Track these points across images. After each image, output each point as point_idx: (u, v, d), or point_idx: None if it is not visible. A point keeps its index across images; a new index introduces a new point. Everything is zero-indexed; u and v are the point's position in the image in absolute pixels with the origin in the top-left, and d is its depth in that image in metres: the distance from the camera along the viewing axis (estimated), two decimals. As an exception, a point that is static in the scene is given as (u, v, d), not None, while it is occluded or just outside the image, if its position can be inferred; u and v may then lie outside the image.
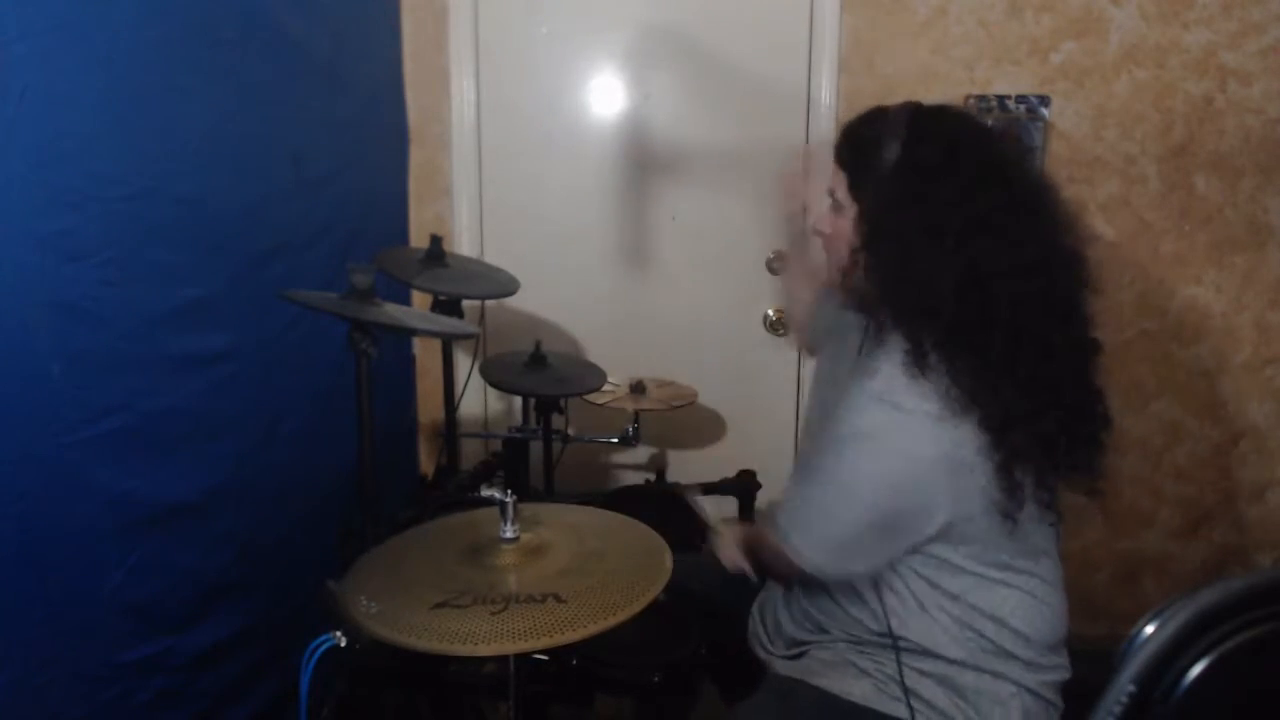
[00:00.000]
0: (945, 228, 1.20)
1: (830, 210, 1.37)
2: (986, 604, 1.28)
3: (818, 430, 1.39)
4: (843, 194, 1.33)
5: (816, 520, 1.29)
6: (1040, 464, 1.21)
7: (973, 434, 1.17)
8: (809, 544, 1.28)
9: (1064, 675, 1.34)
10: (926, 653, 1.29)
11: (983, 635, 1.28)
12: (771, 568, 1.39)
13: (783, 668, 1.41)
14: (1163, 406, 2.47)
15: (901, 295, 1.23)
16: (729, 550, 1.44)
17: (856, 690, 1.31)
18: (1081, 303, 1.27)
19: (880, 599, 1.29)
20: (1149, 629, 1.07)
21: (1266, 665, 1.10)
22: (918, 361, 1.18)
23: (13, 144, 1.25)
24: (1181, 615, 1.06)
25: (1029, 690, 1.30)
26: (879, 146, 1.26)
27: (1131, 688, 1.06)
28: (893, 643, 1.28)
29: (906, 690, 1.27)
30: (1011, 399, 1.17)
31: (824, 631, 1.37)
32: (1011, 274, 1.19)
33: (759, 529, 1.43)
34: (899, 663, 1.28)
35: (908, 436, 1.19)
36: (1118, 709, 1.06)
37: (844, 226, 1.32)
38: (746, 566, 1.41)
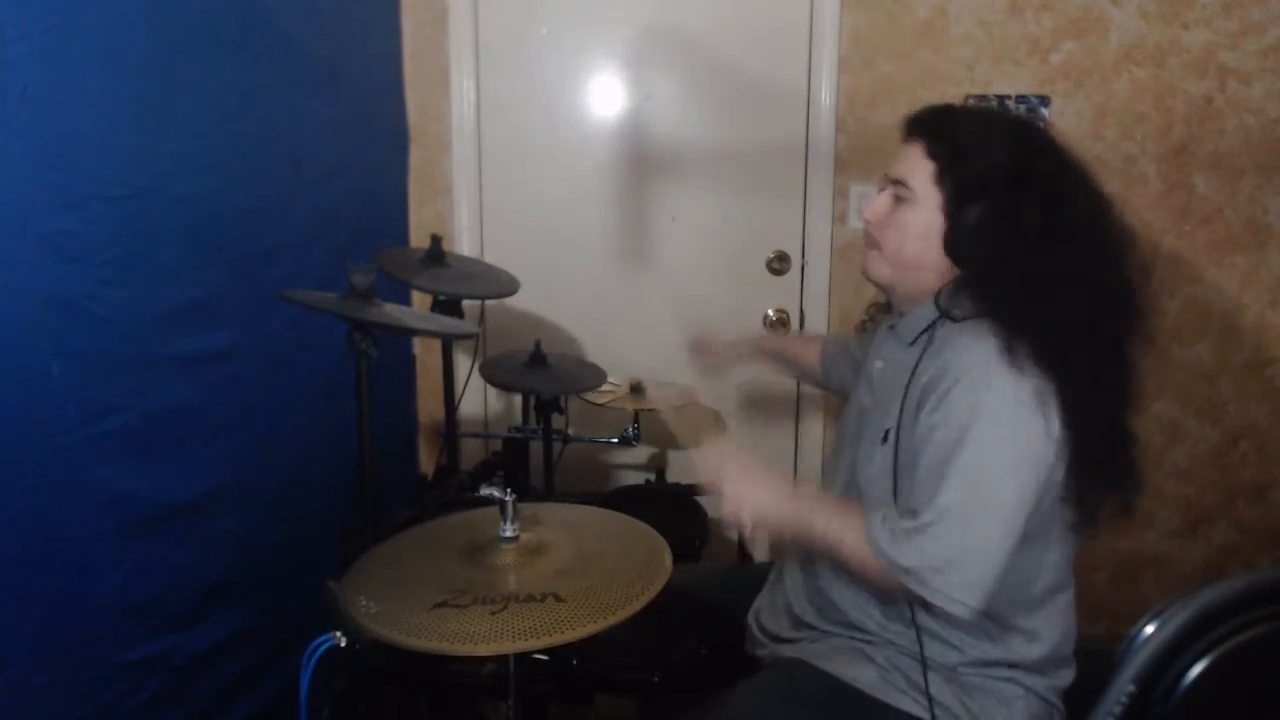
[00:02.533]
0: (1056, 231, 1.21)
1: (893, 200, 1.32)
2: (1014, 619, 1.28)
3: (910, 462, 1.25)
4: (922, 184, 1.28)
5: (967, 565, 1.16)
6: (1096, 473, 1.22)
7: (1058, 429, 1.18)
8: (962, 592, 1.16)
9: (1069, 682, 1.35)
10: (939, 651, 1.28)
11: (1000, 640, 1.28)
12: (843, 563, 1.27)
13: (788, 651, 1.41)
14: (1163, 406, 2.47)
15: (1005, 292, 1.22)
16: (744, 499, 1.29)
17: (863, 677, 1.30)
18: (1140, 328, 1.27)
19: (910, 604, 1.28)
20: (1149, 629, 1.07)
21: (1266, 665, 1.10)
22: (1012, 356, 1.18)
23: (13, 144, 1.25)
24: (1181, 615, 1.06)
25: (1036, 694, 1.31)
26: (985, 145, 1.25)
27: (1131, 688, 1.06)
28: (916, 634, 1.27)
29: (928, 682, 1.27)
30: (1090, 402, 1.19)
31: (837, 618, 1.37)
32: (1099, 285, 1.22)
33: (831, 518, 1.27)
34: (923, 653, 1.27)
35: (1035, 437, 1.18)
36: (1118, 709, 1.06)
37: (916, 218, 1.29)
38: (751, 526, 1.29)
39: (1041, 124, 2.35)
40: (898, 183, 1.31)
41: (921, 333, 1.31)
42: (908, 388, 1.26)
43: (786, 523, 1.32)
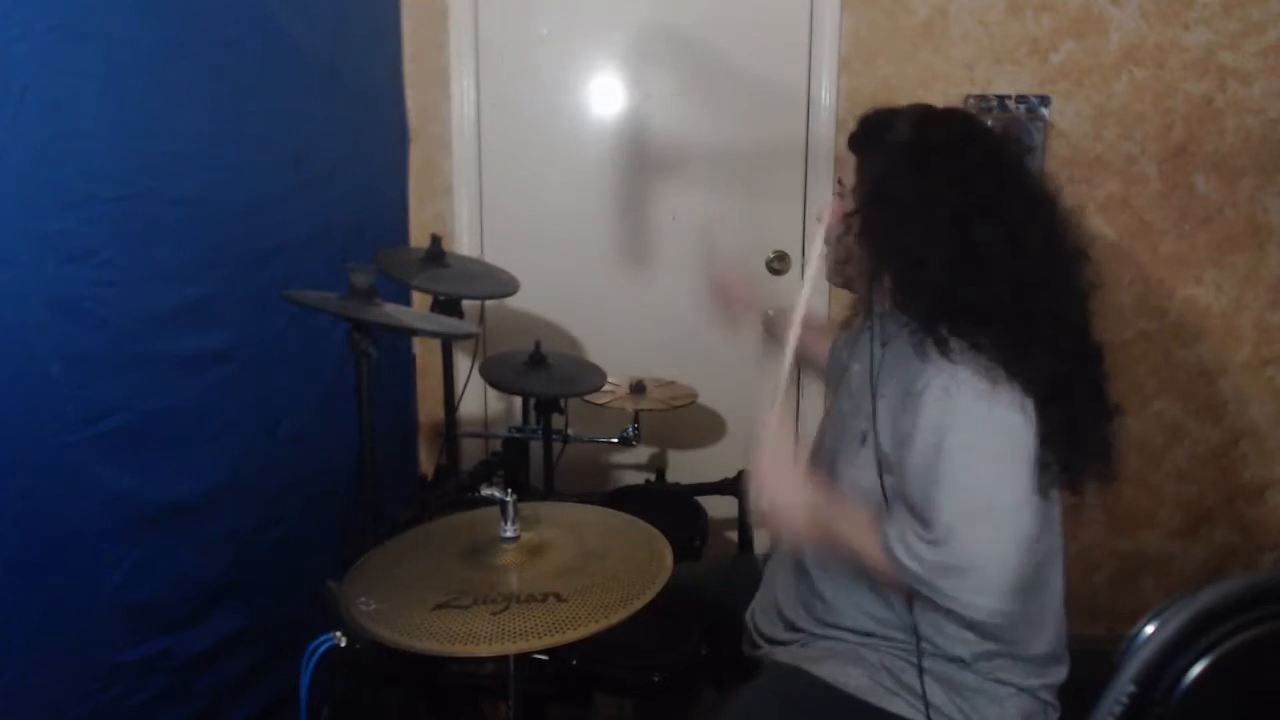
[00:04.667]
0: (944, 203, 1.21)
1: (836, 198, 1.37)
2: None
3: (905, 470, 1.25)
4: (849, 177, 1.33)
5: (988, 571, 1.16)
6: (1068, 442, 1.22)
7: (1026, 406, 1.18)
8: (987, 597, 1.16)
9: (1062, 679, 1.35)
10: (932, 649, 1.29)
11: (987, 638, 1.28)
12: (865, 569, 1.27)
13: (781, 655, 1.41)
14: (1163, 406, 2.47)
15: (895, 265, 1.24)
16: (782, 507, 1.30)
17: (853, 681, 1.31)
18: (1085, 304, 1.27)
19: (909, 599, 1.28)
20: (1149, 629, 1.07)
21: (1266, 665, 1.10)
22: (940, 345, 1.19)
23: (13, 143, 1.25)
24: (1181, 615, 1.06)
25: (1028, 692, 1.31)
26: (890, 129, 1.28)
27: (1131, 688, 1.06)
28: (915, 638, 1.28)
29: (924, 684, 1.27)
30: (1045, 372, 1.18)
31: (830, 621, 1.37)
32: (1012, 259, 1.20)
33: (853, 525, 1.27)
34: (919, 656, 1.27)
35: (994, 411, 1.17)
36: (1118, 709, 1.06)
37: (846, 211, 1.33)
38: (791, 535, 1.30)
39: (1035, 119, 2.36)
40: (838, 181, 1.37)
41: (887, 338, 1.31)
42: (873, 385, 1.28)
43: (811, 528, 1.31)
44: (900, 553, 1.19)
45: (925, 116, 1.31)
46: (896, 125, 1.29)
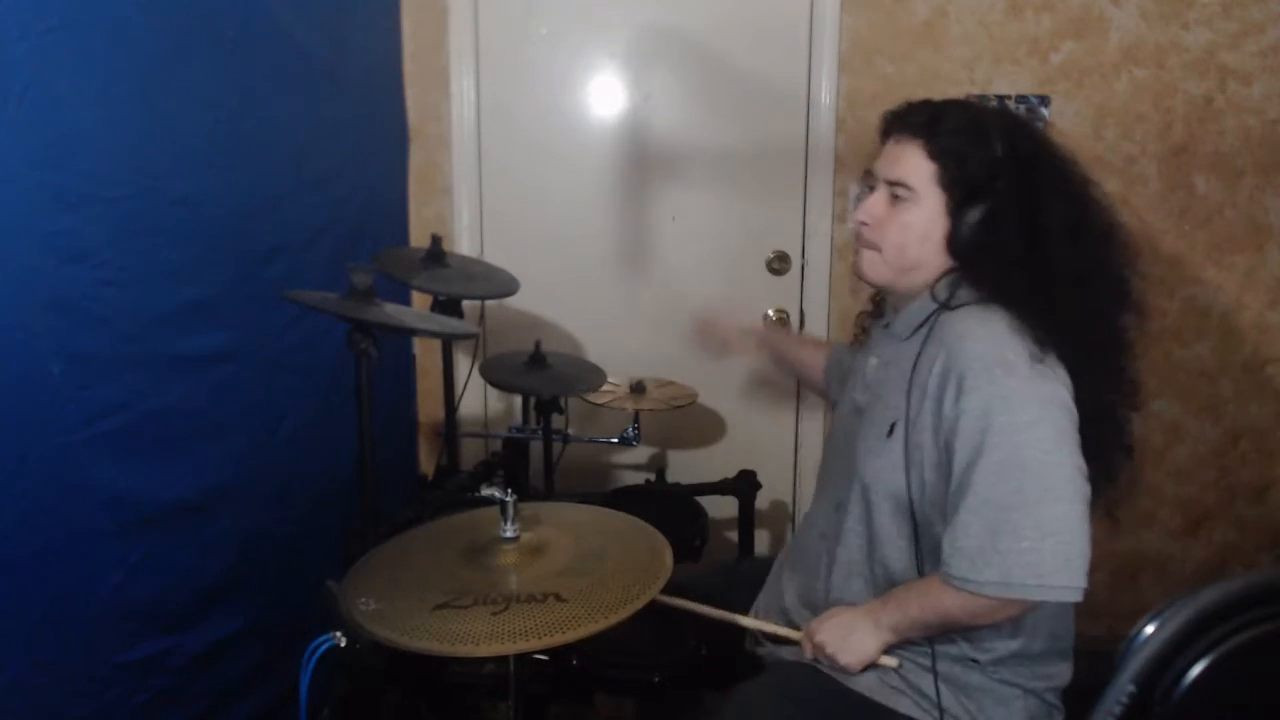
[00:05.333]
0: (1051, 223, 1.24)
1: (890, 200, 1.32)
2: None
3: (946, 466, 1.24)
4: (924, 185, 1.28)
5: (1063, 544, 1.14)
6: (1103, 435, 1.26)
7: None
8: (1070, 574, 1.14)
9: (1067, 680, 1.35)
10: (940, 650, 1.29)
11: (999, 637, 1.28)
12: (965, 625, 1.25)
13: (788, 653, 1.40)
14: (1163, 406, 2.47)
15: (1005, 281, 1.24)
16: (854, 647, 1.29)
17: (860, 680, 1.31)
18: (1125, 292, 1.32)
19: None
20: (1149, 629, 1.07)
21: (1266, 665, 1.10)
22: (1020, 334, 1.21)
23: (13, 144, 1.25)
24: (1181, 615, 1.06)
25: (1034, 694, 1.31)
26: (984, 144, 1.26)
27: (1131, 688, 1.06)
28: (929, 641, 1.28)
29: (937, 680, 1.28)
30: (1097, 380, 1.23)
31: None
32: (1106, 273, 1.27)
33: (915, 597, 1.26)
34: (933, 656, 1.28)
35: (1044, 391, 1.19)
36: (1118, 709, 1.06)
37: (918, 218, 1.29)
38: (887, 659, 1.29)
39: (1035, 119, 2.36)
40: (896, 184, 1.30)
41: (919, 325, 1.32)
42: (912, 379, 1.27)
43: (896, 636, 1.29)
44: (962, 569, 1.17)
45: (1007, 126, 1.30)
46: (989, 136, 1.27)
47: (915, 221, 1.29)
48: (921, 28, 2.40)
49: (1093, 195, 1.32)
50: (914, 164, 1.29)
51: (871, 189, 1.36)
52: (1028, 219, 1.23)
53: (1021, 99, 2.38)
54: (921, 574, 1.29)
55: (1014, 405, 1.17)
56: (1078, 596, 1.15)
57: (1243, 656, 1.07)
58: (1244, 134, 2.35)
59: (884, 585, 1.32)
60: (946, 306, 1.28)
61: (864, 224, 1.35)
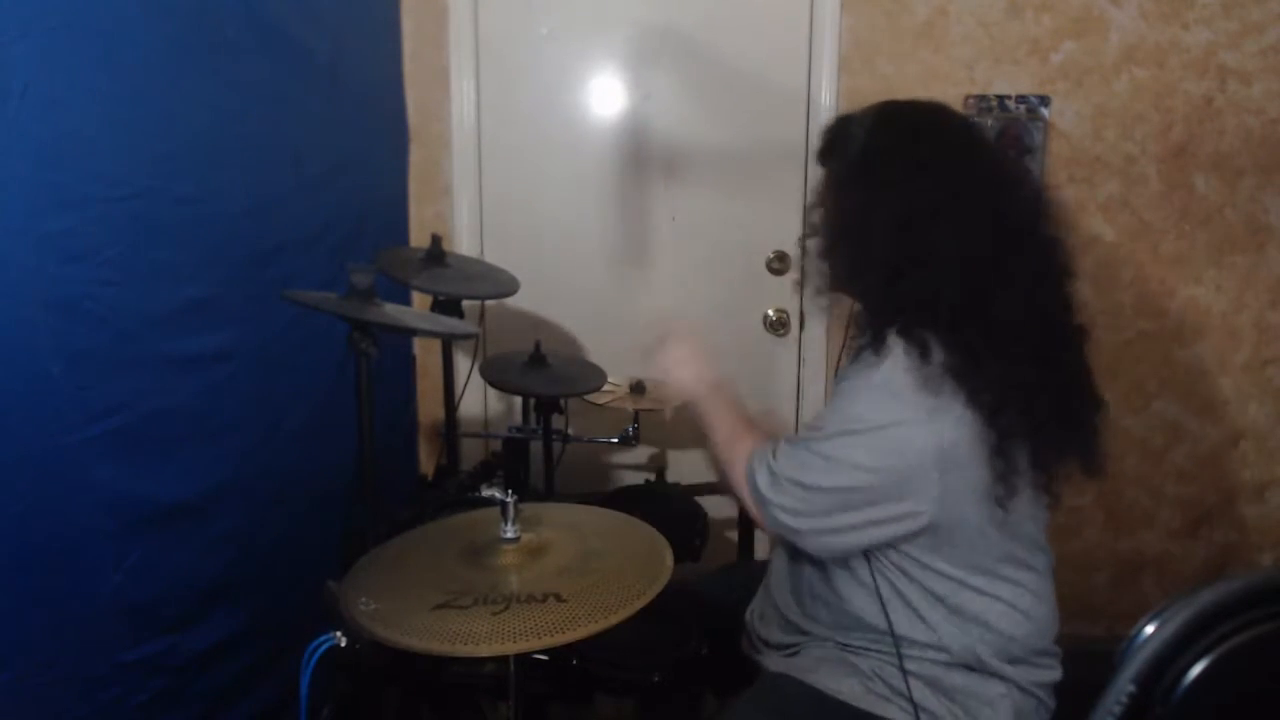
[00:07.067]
0: (899, 208, 1.21)
1: (815, 214, 1.36)
2: (970, 609, 1.28)
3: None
4: (818, 192, 1.35)
5: (793, 485, 1.26)
6: (1034, 443, 1.21)
7: (966, 421, 1.17)
8: (782, 506, 1.27)
9: (1054, 676, 1.35)
10: (915, 653, 1.29)
11: (968, 637, 1.28)
12: (727, 481, 1.40)
13: (775, 664, 1.41)
14: (1163, 406, 2.47)
15: (857, 275, 1.26)
16: (679, 370, 1.46)
17: (846, 689, 1.31)
18: (1060, 289, 1.27)
19: (880, 597, 1.29)
20: (1149, 629, 1.07)
21: (1266, 665, 1.10)
22: (905, 346, 1.19)
23: (13, 144, 1.25)
24: (1181, 615, 1.06)
25: (1019, 688, 1.31)
26: (845, 139, 1.29)
27: (1131, 688, 1.06)
28: (893, 641, 1.28)
29: (910, 686, 1.27)
30: (996, 378, 1.17)
31: (827, 624, 1.37)
32: (960, 259, 1.19)
33: (736, 425, 1.42)
34: (900, 661, 1.28)
35: (902, 430, 1.19)
36: (1118, 709, 1.07)
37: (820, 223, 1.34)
38: (677, 393, 1.43)
39: (1036, 119, 2.36)
40: (815, 195, 1.38)
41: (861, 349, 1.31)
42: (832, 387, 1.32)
43: (697, 403, 1.45)
44: (756, 461, 1.31)
45: (878, 119, 1.29)
46: (850, 133, 1.29)
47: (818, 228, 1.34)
48: (921, 28, 2.40)
49: (988, 154, 1.31)
50: (819, 176, 1.37)
51: None
52: (890, 202, 1.22)
53: (1021, 99, 2.38)
54: (876, 576, 1.30)
55: (873, 408, 1.21)
56: (775, 528, 1.30)
57: (1243, 656, 1.07)
58: (1244, 134, 2.35)
59: (868, 585, 1.32)
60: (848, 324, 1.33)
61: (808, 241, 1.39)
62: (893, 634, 1.28)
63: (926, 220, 1.20)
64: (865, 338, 1.26)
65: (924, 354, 1.18)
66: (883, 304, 1.23)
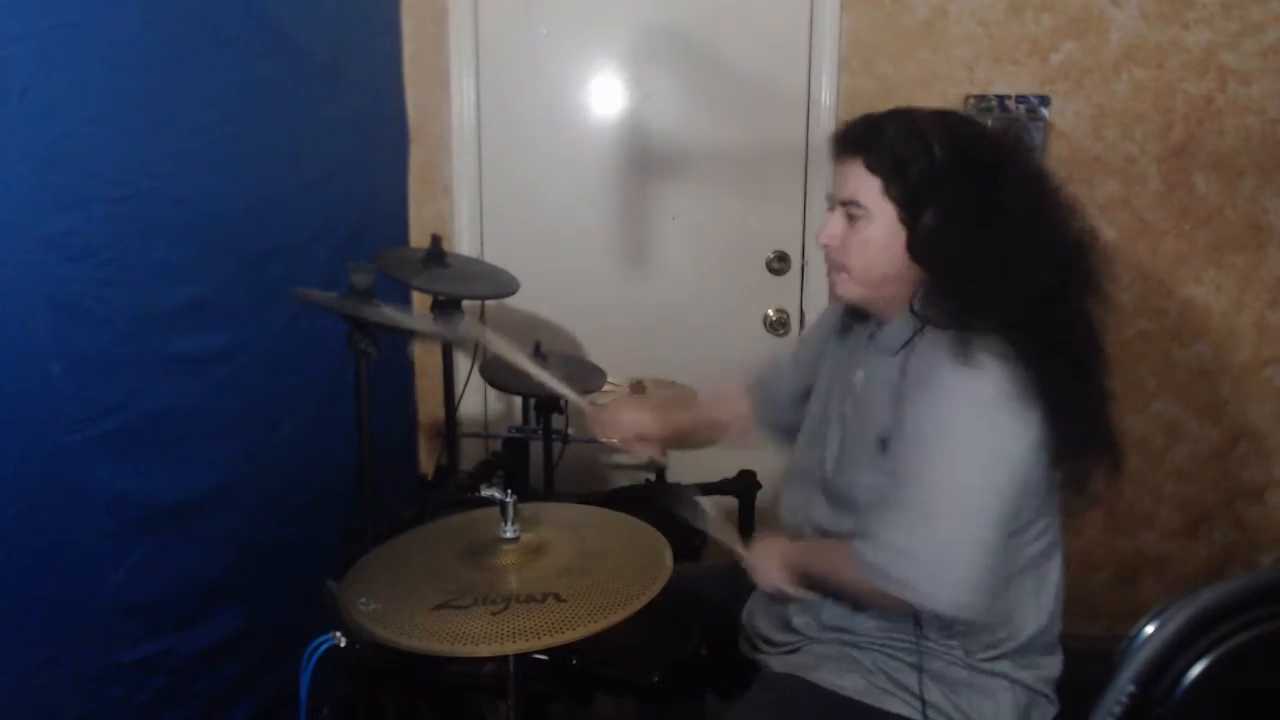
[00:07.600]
0: (1009, 220, 1.23)
1: (847, 219, 1.32)
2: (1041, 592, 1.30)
3: (885, 461, 1.28)
4: (872, 199, 1.28)
5: (948, 562, 1.18)
6: (1080, 449, 1.24)
7: (1039, 422, 1.19)
8: (950, 590, 1.18)
9: (1056, 671, 1.35)
10: (925, 647, 1.29)
11: (973, 632, 1.28)
12: (852, 596, 1.32)
13: (778, 664, 1.41)
14: (1163, 406, 2.47)
15: (974, 286, 1.24)
16: (768, 571, 1.41)
17: (849, 684, 1.31)
18: (1096, 303, 1.29)
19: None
20: (1149, 629, 1.07)
21: (1266, 665, 1.10)
22: (973, 357, 1.20)
23: (13, 144, 1.25)
24: (1181, 615, 1.06)
25: (1022, 685, 1.31)
26: (921, 146, 1.26)
27: (1131, 688, 1.06)
28: (916, 638, 1.28)
29: (922, 684, 1.28)
30: (1072, 387, 1.21)
31: (826, 623, 1.37)
32: (1056, 266, 1.24)
33: (826, 553, 1.35)
34: (920, 657, 1.28)
35: (1008, 434, 1.19)
36: (1118, 709, 1.07)
37: (875, 233, 1.29)
38: (793, 589, 1.37)
39: (1036, 119, 2.36)
40: (848, 203, 1.31)
41: (904, 344, 1.31)
42: (900, 394, 1.27)
43: (804, 573, 1.37)
44: (867, 552, 1.22)
45: (950, 131, 1.29)
46: (929, 144, 1.26)
47: (872, 237, 1.30)
48: (921, 28, 2.40)
49: (1044, 178, 1.32)
50: (859, 181, 1.30)
51: (831, 210, 1.37)
52: (982, 217, 1.23)
53: (1021, 99, 2.38)
54: None
55: (971, 428, 1.20)
56: (957, 612, 1.19)
57: (1243, 656, 1.07)
58: (1244, 134, 2.35)
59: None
60: (930, 323, 1.28)
61: (828, 246, 1.36)
62: (918, 625, 1.28)
63: (1019, 226, 1.23)
64: (942, 346, 1.24)
65: (1004, 357, 1.19)
66: (976, 310, 1.22)
